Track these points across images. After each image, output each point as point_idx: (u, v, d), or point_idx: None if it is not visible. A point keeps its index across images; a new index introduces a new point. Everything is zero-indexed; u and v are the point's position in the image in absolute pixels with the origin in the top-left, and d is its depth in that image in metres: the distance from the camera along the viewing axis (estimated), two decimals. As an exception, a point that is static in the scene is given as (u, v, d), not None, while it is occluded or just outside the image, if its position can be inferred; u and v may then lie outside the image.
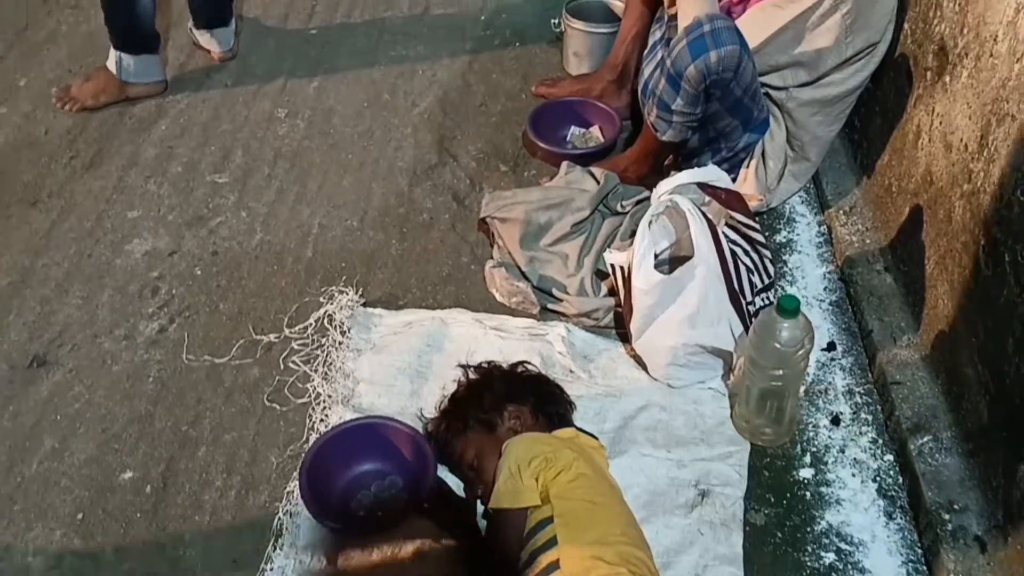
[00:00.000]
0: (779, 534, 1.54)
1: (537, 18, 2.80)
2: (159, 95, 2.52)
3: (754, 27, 1.88)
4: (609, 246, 1.97)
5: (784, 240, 2.11)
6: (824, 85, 1.97)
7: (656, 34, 2.18)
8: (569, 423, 1.62)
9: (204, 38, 2.63)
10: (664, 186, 1.84)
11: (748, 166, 2.08)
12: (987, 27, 1.54)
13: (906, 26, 1.89)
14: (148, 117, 2.48)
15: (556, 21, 2.62)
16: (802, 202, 2.21)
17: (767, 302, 1.78)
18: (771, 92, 2.00)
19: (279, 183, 2.28)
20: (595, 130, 2.40)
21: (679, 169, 2.07)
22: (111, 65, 2.44)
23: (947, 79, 1.69)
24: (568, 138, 2.40)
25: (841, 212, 2.10)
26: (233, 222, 2.18)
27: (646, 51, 2.20)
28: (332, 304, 1.95)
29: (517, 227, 2.02)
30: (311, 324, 1.92)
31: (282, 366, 1.84)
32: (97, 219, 2.19)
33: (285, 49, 2.72)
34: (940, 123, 1.72)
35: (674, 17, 1.96)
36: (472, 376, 1.67)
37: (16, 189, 2.27)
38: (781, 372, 1.58)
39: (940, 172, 1.71)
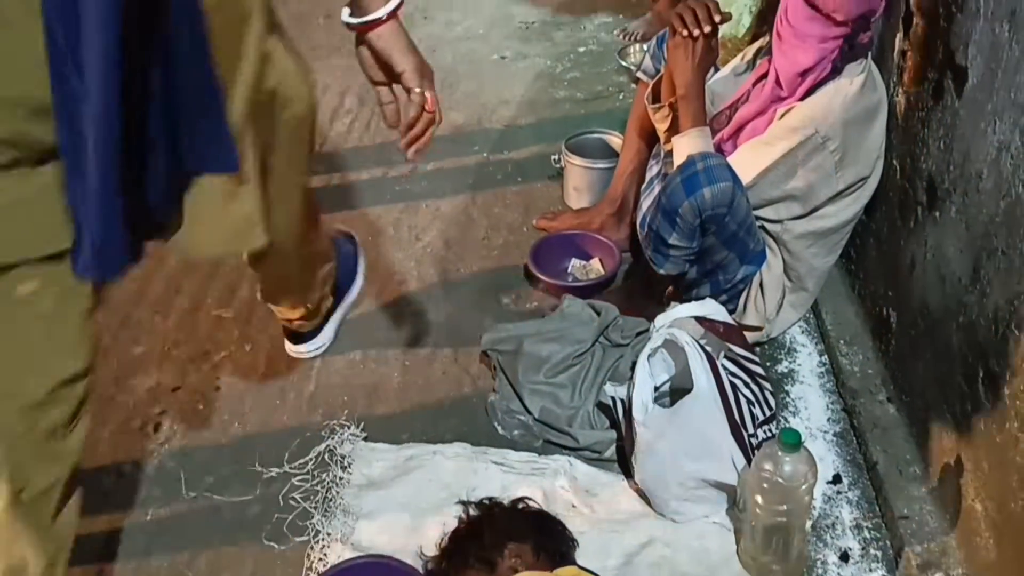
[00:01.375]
0: None
1: (538, 154, 2.88)
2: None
3: (746, 163, 1.94)
4: (609, 378, 1.97)
5: (786, 370, 2.11)
6: (818, 218, 2.01)
7: (653, 169, 2.24)
8: (571, 561, 1.59)
9: None
10: (663, 319, 1.86)
11: (747, 297, 2.10)
12: (972, 164, 1.58)
13: (895, 162, 1.94)
14: (156, 254, 2.53)
15: (556, 157, 2.70)
16: (802, 332, 2.22)
17: (769, 434, 1.78)
18: (766, 225, 2.04)
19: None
20: (595, 262, 2.44)
21: (679, 300, 2.10)
22: None
23: (937, 213, 1.73)
24: (569, 270, 2.44)
25: (841, 342, 2.11)
26: (237, 356, 2.19)
27: (644, 185, 2.26)
28: (333, 438, 1.95)
29: (518, 359, 2.04)
30: (312, 459, 1.91)
31: (282, 502, 1.82)
32: (103, 355, 2.21)
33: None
34: (933, 255, 1.75)
35: (670, 153, 2.03)
36: (472, 513, 1.66)
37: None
38: (785, 507, 1.56)
39: (936, 303, 1.73)
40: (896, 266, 1.94)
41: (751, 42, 2.82)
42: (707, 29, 1.94)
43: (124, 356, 2.20)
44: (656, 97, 2.12)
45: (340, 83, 3.21)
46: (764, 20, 2.27)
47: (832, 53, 1.87)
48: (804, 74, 1.90)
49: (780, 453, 1.53)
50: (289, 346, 2.17)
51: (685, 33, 1.94)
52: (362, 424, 1.99)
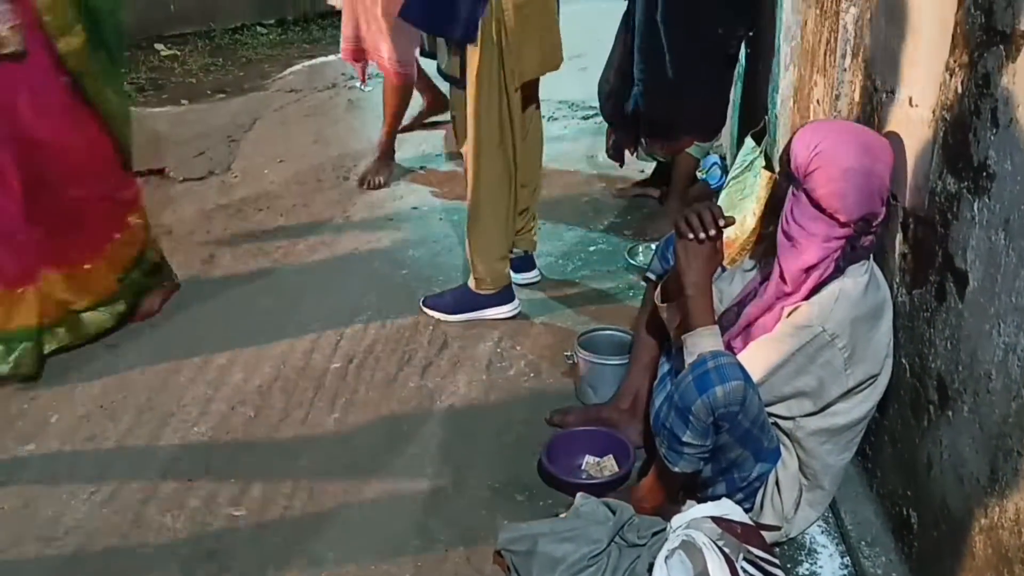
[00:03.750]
0: None
1: (551, 350, 2.92)
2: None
3: (756, 361, 1.96)
4: (627, 581, 1.93)
5: (807, 573, 2.06)
6: (830, 415, 2.02)
7: (665, 366, 2.27)
8: None
9: None
10: (679, 519, 1.84)
11: (763, 495, 2.08)
12: (980, 365, 1.60)
13: (904, 360, 1.97)
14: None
15: (569, 353, 2.74)
16: (822, 532, 2.18)
17: (793, 643, 1.71)
18: (779, 422, 2.05)
19: (296, 516, 2.28)
20: (609, 459, 2.43)
21: (695, 499, 2.08)
22: None
23: (950, 413, 1.74)
24: (583, 467, 2.42)
25: (863, 543, 2.07)
26: (247, 556, 2.16)
27: (656, 382, 2.28)
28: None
29: (533, 560, 2.00)
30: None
31: None
32: (114, 553, 2.17)
33: (307, 381, 2.82)
34: (949, 455, 1.75)
35: (681, 350, 2.06)
36: None
37: (33, 523, 2.28)
38: None
39: (956, 504, 1.71)
40: (913, 465, 1.93)
41: (756, 242, 2.91)
42: (711, 233, 2.01)
43: (131, 558, 2.17)
44: (665, 296, 2.18)
45: (359, 283, 3.30)
46: (768, 221, 2.36)
47: (835, 252, 1.93)
48: (808, 271, 1.96)
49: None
50: None
51: (691, 237, 2.02)
52: (372, 630, 1.93)
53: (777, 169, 2.19)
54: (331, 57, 5.82)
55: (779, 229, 2.02)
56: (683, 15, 3.24)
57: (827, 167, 1.88)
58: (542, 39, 2.87)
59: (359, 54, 4.07)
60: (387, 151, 4.21)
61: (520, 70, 2.82)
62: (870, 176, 1.89)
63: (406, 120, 4.31)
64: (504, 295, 3.09)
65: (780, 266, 2.02)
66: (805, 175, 1.91)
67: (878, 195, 1.90)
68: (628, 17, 3.47)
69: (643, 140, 3.63)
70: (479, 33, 2.72)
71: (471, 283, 3.08)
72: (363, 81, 4.64)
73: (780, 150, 3.10)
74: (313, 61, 5.87)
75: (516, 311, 3.11)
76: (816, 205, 1.91)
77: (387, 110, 4.13)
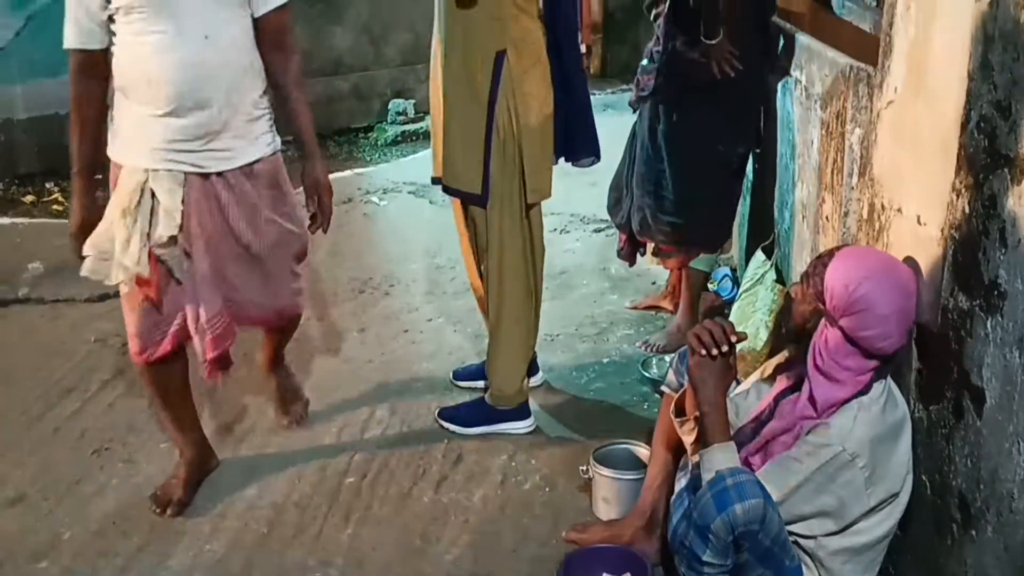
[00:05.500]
0: None
1: (566, 463, 2.91)
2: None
3: (775, 479, 1.95)
4: None
5: None
6: (852, 534, 1.99)
7: (681, 481, 2.25)
8: None
9: None
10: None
11: (786, 616, 2.03)
12: (1002, 484, 1.60)
13: (924, 477, 1.96)
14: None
15: (584, 467, 2.72)
16: (847, 654, 2.12)
17: None
18: (800, 540, 2.02)
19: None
20: (627, 577, 2.39)
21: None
22: None
23: (973, 532, 1.72)
24: (600, 586, 2.38)
25: (890, 666, 2.01)
26: None
27: (673, 497, 2.26)
28: None
29: None
30: None
31: None
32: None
33: (320, 496, 2.80)
34: (974, 575, 1.72)
35: (697, 465, 2.05)
36: None
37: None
38: None
39: (984, 627, 1.68)
40: (938, 586, 1.89)
41: (769, 355, 2.93)
42: (724, 348, 2.03)
43: None
44: (680, 411, 2.18)
45: (373, 395, 3.32)
46: (780, 335, 2.38)
47: (865, 381, 1.94)
48: (840, 403, 1.96)
49: None
50: None
51: (703, 352, 2.04)
52: None
53: (790, 284, 2.22)
54: (347, 172, 5.96)
55: (811, 362, 2.00)
56: (683, 132, 3.31)
57: (870, 311, 1.88)
58: (549, 166, 2.97)
59: None
60: None
61: (539, 188, 2.90)
62: (908, 315, 1.91)
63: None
64: (521, 411, 3.09)
65: (811, 393, 2.01)
66: (843, 315, 1.91)
67: (911, 328, 1.93)
68: (633, 132, 3.56)
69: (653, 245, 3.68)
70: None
71: (488, 397, 3.08)
72: None
73: (792, 264, 3.16)
74: (329, 176, 6.01)
75: (532, 427, 3.11)
76: (851, 341, 1.92)
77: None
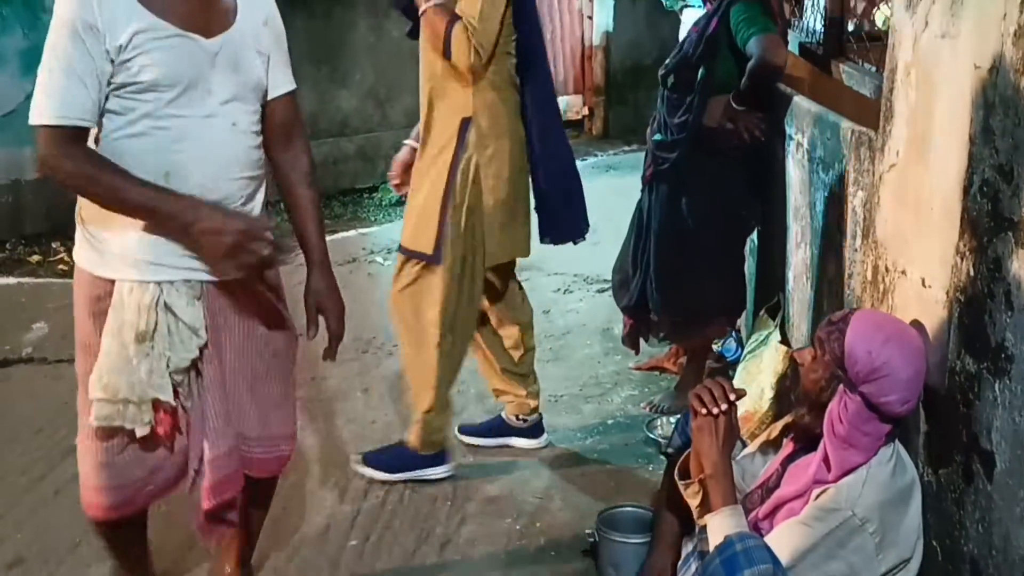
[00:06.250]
0: None
1: (571, 527, 2.87)
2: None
3: (784, 545, 1.93)
4: None
5: None
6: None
7: (688, 545, 2.22)
8: None
9: None
10: None
11: None
12: (1015, 550, 1.58)
13: (934, 542, 1.93)
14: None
15: (590, 531, 2.69)
16: None
17: None
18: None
19: None
20: (635, 645, 2.34)
21: None
22: None
23: (987, 599, 1.69)
24: (607, 654, 2.34)
25: None
26: None
27: (680, 562, 2.23)
28: None
29: None
30: None
31: None
32: None
33: (323, 559, 2.77)
34: (989, 645, 1.69)
35: (704, 529, 2.02)
36: None
37: None
38: None
39: None
40: (952, 653, 1.86)
41: (774, 416, 2.91)
42: (724, 407, 2.02)
43: None
44: (685, 474, 2.16)
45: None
46: (786, 399, 2.38)
47: (881, 445, 1.93)
48: (855, 467, 1.95)
49: None
50: None
51: (704, 412, 2.03)
52: None
53: (800, 347, 2.22)
54: (351, 232, 6.01)
55: (827, 429, 1.98)
56: (711, 200, 3.34)
57: (892, 376, 1.87)
58: (514, 229, 3.03)
59: None
60: None
61: (496, 252, 3.00)
62: (923, 377, 1.91)
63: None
64: (440, 456, 3.14)
65: (826, 456, 1.99)
66: (865, 381, 1.90)
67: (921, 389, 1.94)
68: (641, 209, 3.57)
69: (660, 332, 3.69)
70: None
71: (409, 438, 3.14)
72: None
73: (796, 326, 3.16)
74: (334, 236, 6.04)
75: (450, 473, 3.14)
76: (872, 407, 1.91)
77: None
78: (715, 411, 2.01)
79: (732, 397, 2.02)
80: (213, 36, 1.98)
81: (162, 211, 1.92)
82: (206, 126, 1.98)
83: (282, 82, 2.16)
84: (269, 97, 2.13)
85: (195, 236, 1.93)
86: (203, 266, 2.00)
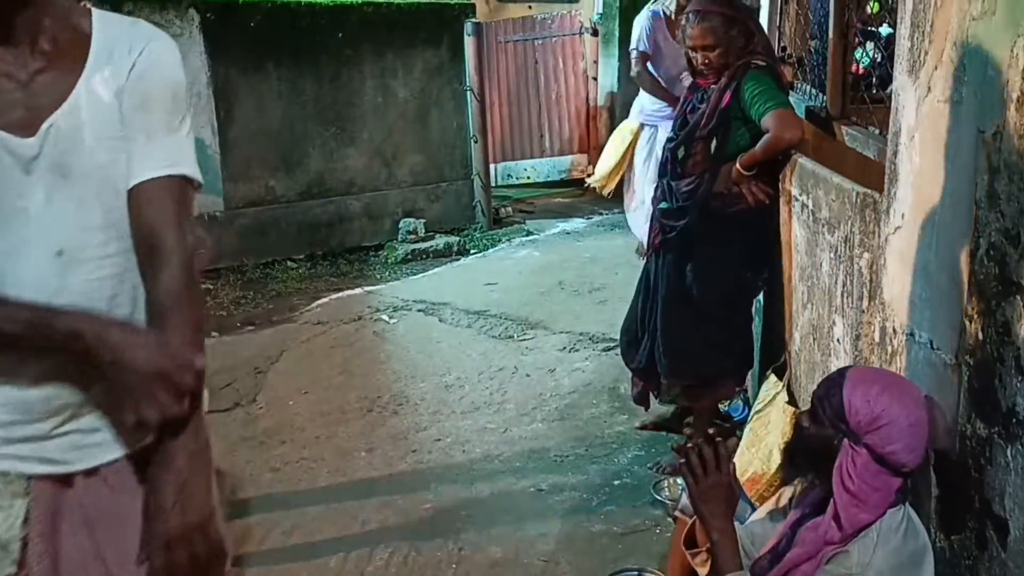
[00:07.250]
0: None
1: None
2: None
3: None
4: None
5: None
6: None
7: (698, 611, 2.18)
8: None
9: None
10: None
11: None
12: (1030, 619, 1.55)
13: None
14: None
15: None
16: None
17: None
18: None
19: None
20: None
21: None
22: None
23: (1003, 669, 1.66)
24: None
25: None
26: None
27: (690, 628, 2.19)
28: None
29: None
30: None
31: None
32: None
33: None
34: None
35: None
36: None
37: None
38: None
39: None
40: None
41: (782, 479, 2.88)
42: (721, 467, 2.00)
43: None
44: (692, 543, 2.14)
45: (381, 517, 3.27)
46: (792, 465, 2.35)
47: (891, 501, 1.91)
48: (865, 524, 1.93)
49: None
50: None
51: (697, 473, 2.01)
52: None
53: (804, 409, 2.21)
54: (357, 290, 6.01)
55: (838, 486, 1.96)
56: (719, 263, 3.36)
57: (894, 424, 1.87)
58: None
59: None
60: None
61: None
62: (925, 426, 1.90)
63: None
64: None
65: (836, 513, 1.97)
66: (868, 431, 1.89)
67: (927, 447, 1.92)
68: (647, 272, 3.58)
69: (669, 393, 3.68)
70: None
71: None
72: None
73: (803, 386, 3.14)
74: (340, 294, 6.05)
75: None
76: (879, 460, 1.90)
77: None
78: (709, 477, 2.00)
79: (722, 452, 2.01)
80: (31, 130, 1.32)
81: (61, 333, 1.29)
82: (17, 258, 1.33)
83: (150, 163, 1.40)
84: (130, 185, 1.40)
85: (123, 368, 1.31)
86: (34, 453, 1.39)
